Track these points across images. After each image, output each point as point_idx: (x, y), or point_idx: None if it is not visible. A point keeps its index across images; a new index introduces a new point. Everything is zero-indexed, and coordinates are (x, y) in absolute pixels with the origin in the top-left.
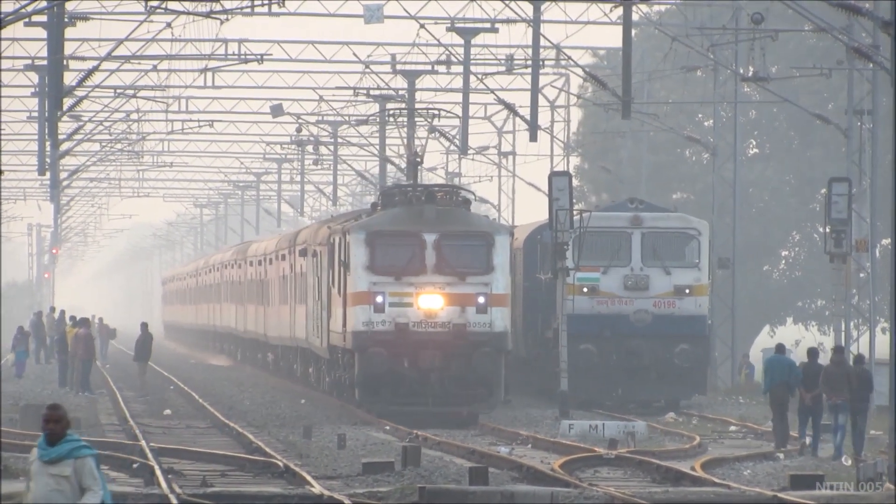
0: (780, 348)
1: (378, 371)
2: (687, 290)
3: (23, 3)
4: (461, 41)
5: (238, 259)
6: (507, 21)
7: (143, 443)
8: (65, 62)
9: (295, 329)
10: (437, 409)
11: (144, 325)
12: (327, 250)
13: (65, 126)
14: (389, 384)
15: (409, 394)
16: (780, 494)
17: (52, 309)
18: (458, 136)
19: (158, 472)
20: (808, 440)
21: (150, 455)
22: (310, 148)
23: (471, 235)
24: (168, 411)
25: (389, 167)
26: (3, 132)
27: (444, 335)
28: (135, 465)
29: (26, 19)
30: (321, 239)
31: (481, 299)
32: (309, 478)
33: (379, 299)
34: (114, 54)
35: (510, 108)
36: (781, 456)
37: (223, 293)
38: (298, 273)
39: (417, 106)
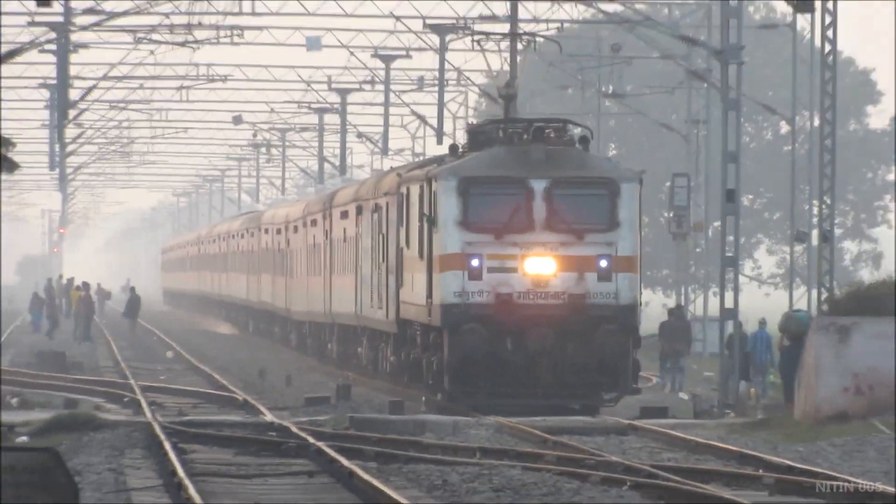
0: (674, 313)
1: (474, 354)
2: None
3: (37, 35)
4: (383, 65)
5: (250, 227)
6: (420, 49)
7: (132, 382)
8: (70, 81)
9: (331, 303)
10: (549, 402)
11: (132, 289)
12: (396, 201)
13: (70, 132)
14: (488, 371)
15: (513, 383)
16: (634, 422)
17: (61, 276)
18: (380, 140)
19: (144, 405)
20: (668, 384)
21: (137, 391)
22: (263, 149)
23: (591, 182)
24: (170, 353)
25: (327, 166)
26: (21, 137)
27: (557, 308)
28: (126, 399)
29: (40, 47)
30: (387, 188)
31: (604, 263)
32: (263, 409)
33: (475, 263)
34: (109, 75)
35: (421, 118)
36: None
37: (230, 262)
38: (339, 238)
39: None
